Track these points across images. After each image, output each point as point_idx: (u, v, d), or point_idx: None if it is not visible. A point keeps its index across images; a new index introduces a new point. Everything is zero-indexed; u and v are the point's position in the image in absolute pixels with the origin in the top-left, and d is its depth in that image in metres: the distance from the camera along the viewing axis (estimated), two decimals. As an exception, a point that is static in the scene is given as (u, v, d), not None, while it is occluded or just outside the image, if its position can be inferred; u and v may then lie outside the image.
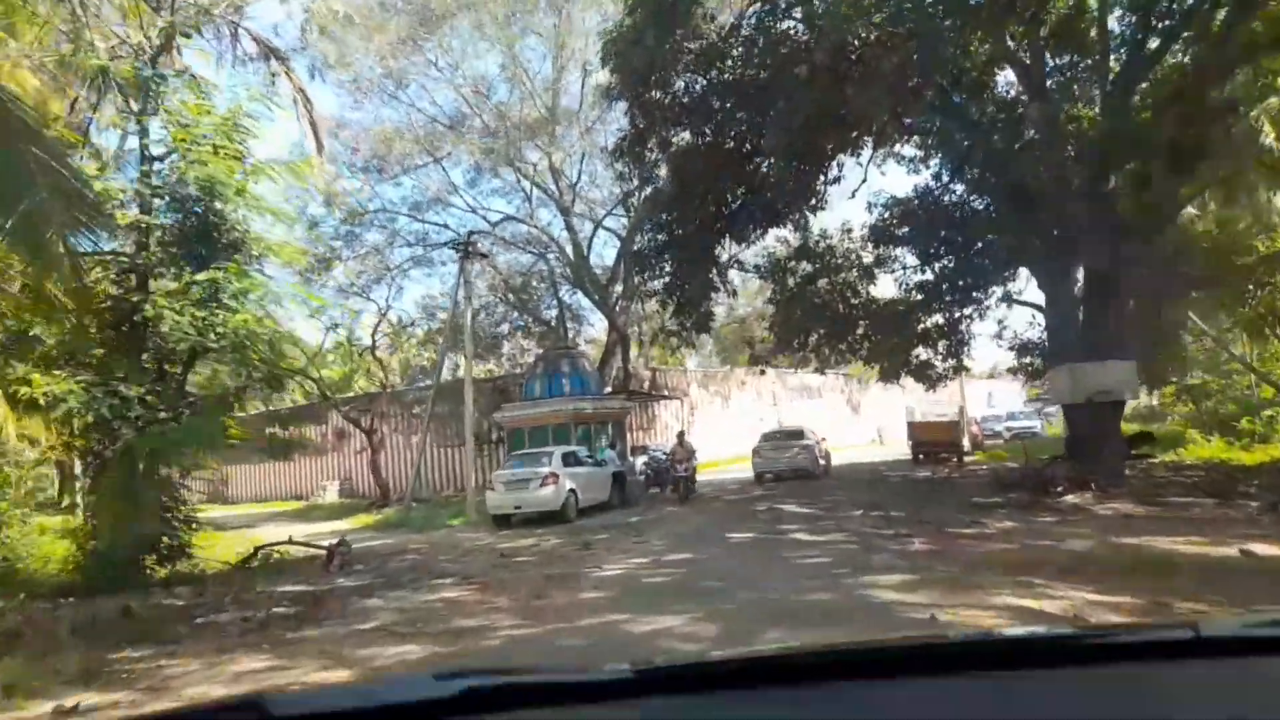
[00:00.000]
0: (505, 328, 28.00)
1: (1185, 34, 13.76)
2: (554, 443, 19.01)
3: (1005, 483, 15.52)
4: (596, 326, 32.84)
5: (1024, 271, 19.71)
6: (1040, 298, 18.29)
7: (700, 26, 14.66)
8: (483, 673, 1.24)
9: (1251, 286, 17.92)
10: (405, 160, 23.95)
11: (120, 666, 6.12)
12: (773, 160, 13.21)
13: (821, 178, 14.99)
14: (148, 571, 10.08)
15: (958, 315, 19.59)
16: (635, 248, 18.87)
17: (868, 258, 19.47)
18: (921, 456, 23.31)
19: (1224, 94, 13.73)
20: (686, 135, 15.51)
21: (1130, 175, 14.27)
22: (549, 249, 26.29)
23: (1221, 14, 12.59)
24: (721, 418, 34.01)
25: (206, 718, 1.42)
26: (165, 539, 10.46)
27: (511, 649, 6.06)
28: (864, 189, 34.11)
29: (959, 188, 18.60)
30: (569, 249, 25.94)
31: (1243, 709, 1.15)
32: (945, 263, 18.59)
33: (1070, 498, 12.98)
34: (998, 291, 19.50)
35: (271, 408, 22.23)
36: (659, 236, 15.09)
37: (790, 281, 19.19)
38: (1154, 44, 13.94)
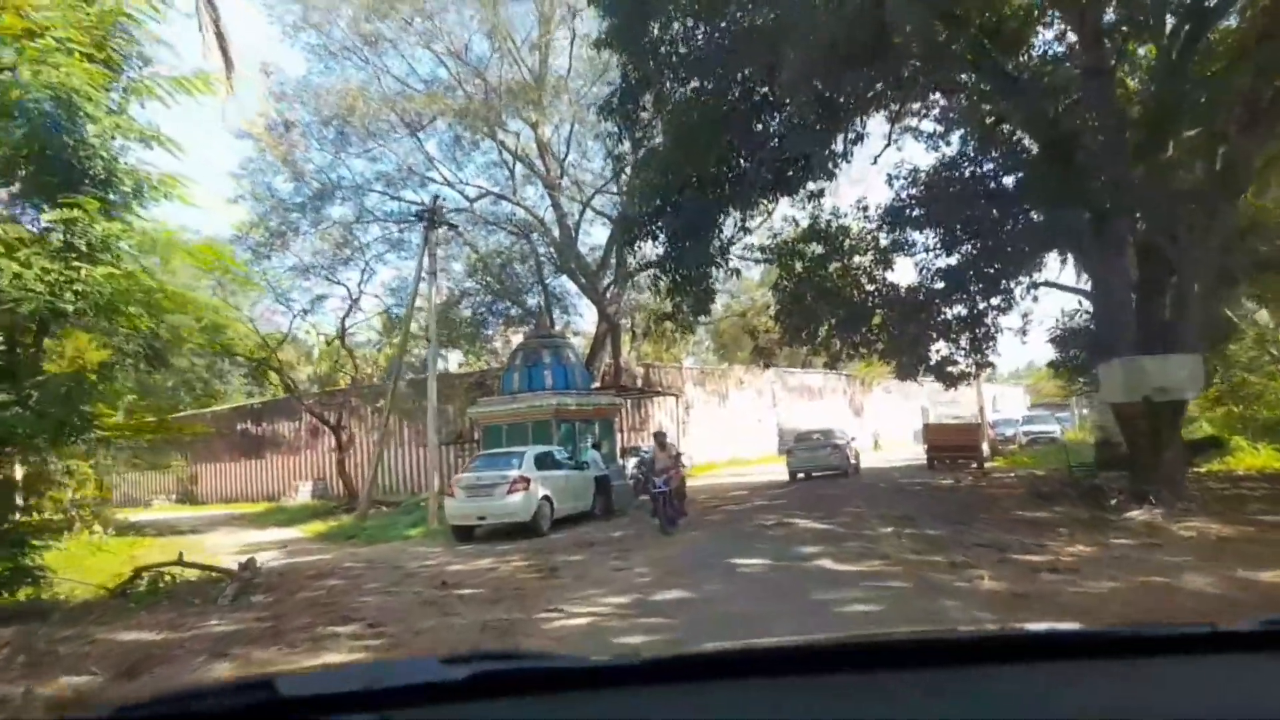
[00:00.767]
0: (485, 315, 25.71)
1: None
2: (534, 441, 16.93)
3: (1042, 493, 14.12)
4: (585, 317, 30.82)
5: (1053, 258, 18.26)
6: (1077, 284, 16.74)
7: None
8: (491, 657, 1.27)
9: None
10: (373, 124, 21.63)
11: None
12: (788, 104, 11.08)
13: (841, 137, 12.86)
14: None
15: (983, 306, 17.70)
16: (624, 213, 16.77)
17: (884, 240, 17.68)
18: (937, 462, 21.77)
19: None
20: (685, 90, 13.44)
21: (1195, 139, 12.44)
22: (533, 230, 24.06)
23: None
24: (718, 418, 32.08)
25: (217, 695, 1.29)
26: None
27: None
28: (883, 159, 32.47)
29: (986, 163, 16.85)
30: (555, 231, 23.76)
31: (1261, 704, 1.14)
32: (970, 246, 16.75)
33: (1135, 513, 11.00)
34: (1025, 280, 17.73)
35: (245, 403, 20.06)
36: (654, 201, 12.91)
37: (798, 265, 17.31)
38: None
